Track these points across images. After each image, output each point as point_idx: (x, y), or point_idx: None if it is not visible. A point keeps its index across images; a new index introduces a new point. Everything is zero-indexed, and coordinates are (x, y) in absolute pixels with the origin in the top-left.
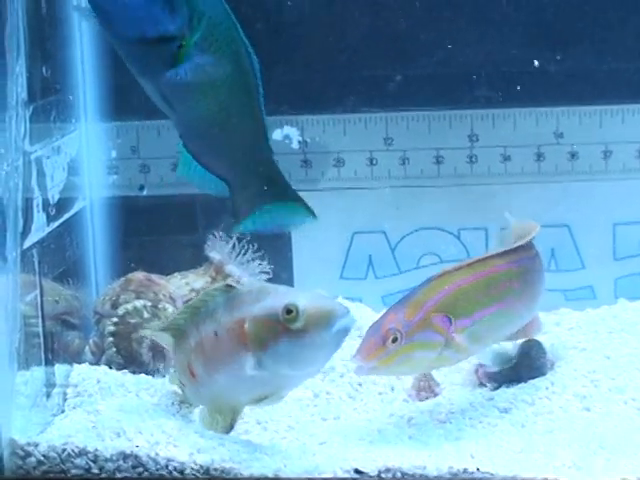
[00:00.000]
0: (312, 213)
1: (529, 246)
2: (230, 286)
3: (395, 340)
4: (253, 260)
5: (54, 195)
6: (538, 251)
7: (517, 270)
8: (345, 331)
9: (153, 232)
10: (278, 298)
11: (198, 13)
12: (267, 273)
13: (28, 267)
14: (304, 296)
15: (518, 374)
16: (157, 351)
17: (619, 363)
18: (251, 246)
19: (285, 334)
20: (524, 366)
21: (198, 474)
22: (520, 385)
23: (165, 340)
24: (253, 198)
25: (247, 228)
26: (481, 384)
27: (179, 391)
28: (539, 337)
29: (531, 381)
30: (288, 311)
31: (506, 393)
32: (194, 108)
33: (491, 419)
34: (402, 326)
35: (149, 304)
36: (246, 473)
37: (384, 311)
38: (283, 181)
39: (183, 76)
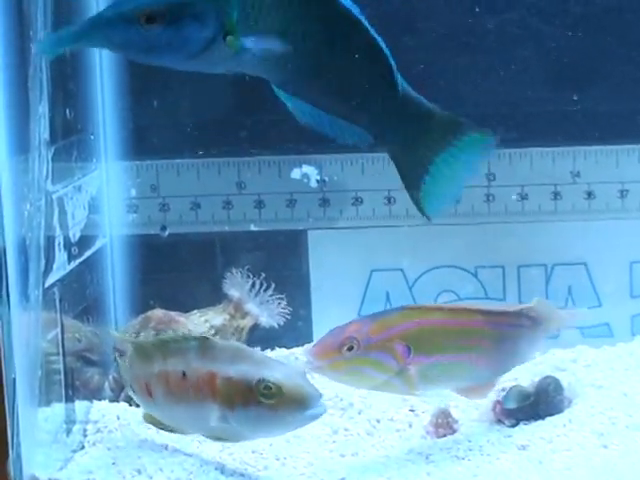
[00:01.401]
0: (490, 134)
1: (520, 316)
2: (206, 338)
3: (351, 349)
4: (272, 297)
5: (75, 233)
6: (532, 325)
7: (491, 332)
8: (315, 417)
9: (172, 269)
10: (255, 367)
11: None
12: (285, 312)
13: (49, 305)
14: (280, 372)
15: (536, 411)
16: None
17: (636, 400)
18: (269, 283)
19: (255, 404)
20: (542, 403)
21: None
22: (538, 422)
23: (124, 346)
24: (419, 148)
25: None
26: (499, 421)
27: None
28: (556, 374)
29: (549, 418)
30: (265, 386)
31: (524, 430)
32: (276, 65)
33: (509, 456)
34: (362, 339)
35: None
36: None
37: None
38: (446, 116)
39: (248, 58)
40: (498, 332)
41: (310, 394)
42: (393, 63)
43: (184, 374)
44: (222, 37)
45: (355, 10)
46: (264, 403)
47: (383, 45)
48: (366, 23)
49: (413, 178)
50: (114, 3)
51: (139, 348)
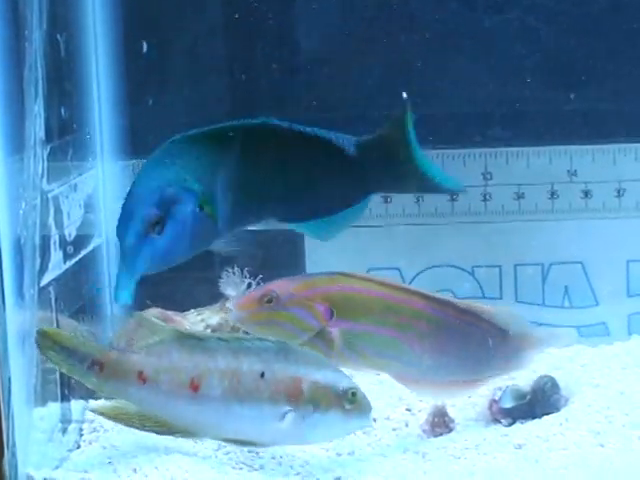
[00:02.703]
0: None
1: (479, 318)
2: (284, 342)
3: (270, 302)
4: None
5: (71, 233)
6: (499, 334)
7: (432, 316)
8: (368, 426)
9: (169, 269)
10: (337, 374)
11: (179, 179)
12: None
13: (45, 304)
14: (353, 381)
15: (532, 410)
16: None
17: (633, 399)
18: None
19: (337, 409)
20: (538, 402)
21: None
22: (534, 421)
23: (162, 334)
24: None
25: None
26: (495, 420)
27: None
28: (553, 373)
29: (545, 417)
30: (352, 393)
31: (520, 429)
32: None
33: (505, 455)
34: (283, 294)
35: None
36: None
37: None
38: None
39: (232, 225)
40: (440, 319)
41: (370, 403)
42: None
43: (262, 375)
44: (199, 210)
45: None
46: (345, 408)
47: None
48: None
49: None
50: (119, 234)
51: (194, 339)
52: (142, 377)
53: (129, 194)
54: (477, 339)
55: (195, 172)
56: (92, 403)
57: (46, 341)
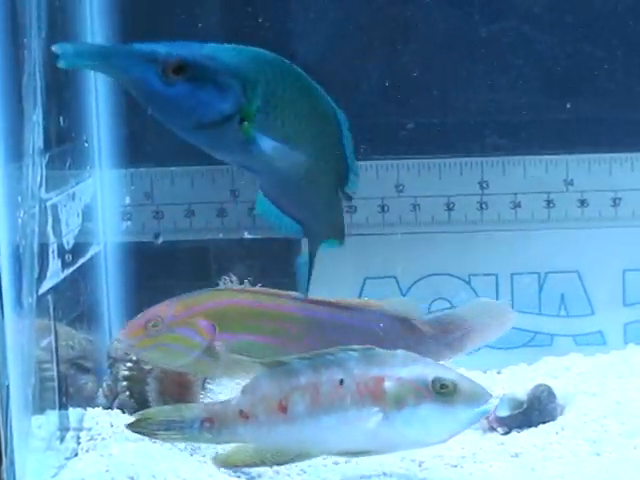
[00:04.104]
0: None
1: (362, 311)
2: (371, 348)
3: (155, 326)
4: None
5: (69, 241)
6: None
7: (300, 317)
8: (485, 413)
9: (166, 277)
10: (428, 368)
11: (251, 82)
12: None
13: (43, 312)
14: (452, 372)
15: (528, 418)
16: (167, 396)
17: (629, 408)
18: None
19: (429, 401)
20: (534, 410)
21: None
22: (530, 429)
23: (252, 370)
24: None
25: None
26: (492, 428)
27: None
28: (549, 382)
29: (541, 425)
30: (442, 385)
31: (517, 437)
32: (273, 171)
33: (502, 463)
34: (167, 316)
35: None
36: None
37: None
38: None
39: (255, 151)
40: (310, 319)
41: (482, 391)
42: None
43: (341, 382)
44: (238, 120)
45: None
46: (440, 399)
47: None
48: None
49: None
50: (150, 43)
51: (279, 366)
52: (243, 415)
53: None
54: (362, 333)
55: (270, 94)
56: (218, 459)
57: (150, 426)
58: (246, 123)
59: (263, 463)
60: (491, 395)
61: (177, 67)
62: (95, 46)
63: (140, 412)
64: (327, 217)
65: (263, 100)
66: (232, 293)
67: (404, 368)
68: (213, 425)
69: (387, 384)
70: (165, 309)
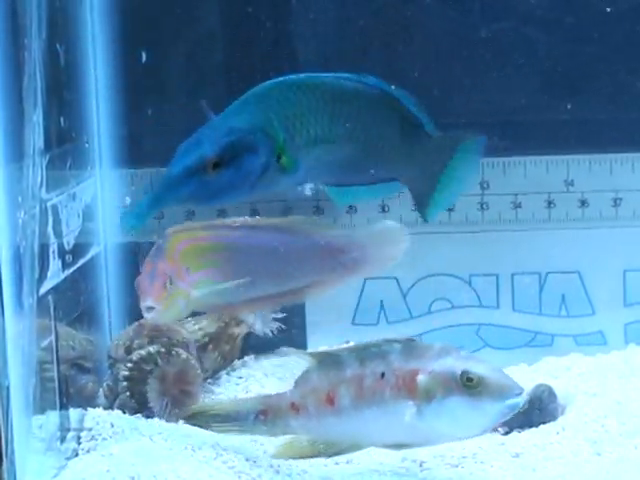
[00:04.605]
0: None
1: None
2: (412, 340)
3: (171, 283)
4: None
5: (69, 241)
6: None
7: (227, 245)
8: (514, 408)
9: None
10: (459, 361)
11: (271, 126)
12: (279, 319)
13: (44, 313)
14: (484, 366)
15: (529, 419)
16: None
17: (630, 408)
18: None
19: (457, 394)
20: (535, 410)
21: None
22: (531, 430)
23: (303, 361)
24: (427, 179)
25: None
26: (492, 428)
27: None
28: (550, 382)
29: (542, 426)
30: (468, 378)
31: (517, 437)
32: (329, 171)
33: (502, 463)
34: (170, 272)
35: (163, 350)
36: None
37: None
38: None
39: (299, 179)
40: (231, 245)
41: (511, 384)
42: (425, 118)
43: (383, 375)
44: (275, 160)
45: (383, 86)
46: (467, 392)
47: (412, 102)
48: (392, 92)
49: (424, 198)
50: (175, 159)
51: (329, 358)
52: (295, 407)
53: (206, 125)
54: (281, 253)
55: (285, 119)
56: (271, 451)
57: (206, 419)
58: (283, 158)
59: (317, 455)
60: (521, 388)
61: (215, 163)
62: (146, 199)
63: (197, 405)
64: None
65: (284, 129)
66: (190, 233)
67: (437, 361)
68: (267, 417)
69: (420, 377)
70: (162, 265)
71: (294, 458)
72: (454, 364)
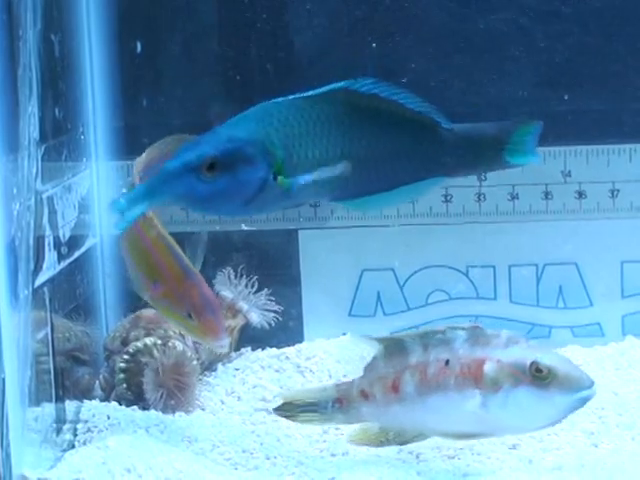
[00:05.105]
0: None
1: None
2: (477, 326)
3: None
4: (263, 297)
5: (65, 233)
6: None
7: None
8: (584, 401)
9: None
10: (527, 350)
11: (270, 141)
12: (276, 311)
13: (39, 304)
14: (553, 356)
15: None
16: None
17: (627, 399)
18: (260, 283)
19: (526, 385)
20: None
21: None
22: None
23: (370, 347)
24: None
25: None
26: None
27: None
28: None
29: None
30: (538, 368)
31: None
32: (330, 190)
33: (499, 455)
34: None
35: (159, 342)
36: None
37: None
38: (489, 132)
39: (301, 192)
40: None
41: (582, 376)
42: (430, 110)
43: (447, 362)
44: (272, 178)
45: (381, 90)
46: (536, 383)
47: (412, 100)
48: (386, 92)
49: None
50: (176, 155)
51: (394, 344)
52: (364, 394)
53: (208, 132)
54: None
55: (284, 138)
56: (348, 436)
57: (292, 408)
58: (280, 177)
59: (388, 442)
60: (592, 381)
61: (209, 166)
62: (140, 190)
63: (282, 394)
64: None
65: (283, 148)
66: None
67: (505, 350)
68: (342, 405)
69: (487, 366)
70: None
71: (367, 445)
72: (523, 354)
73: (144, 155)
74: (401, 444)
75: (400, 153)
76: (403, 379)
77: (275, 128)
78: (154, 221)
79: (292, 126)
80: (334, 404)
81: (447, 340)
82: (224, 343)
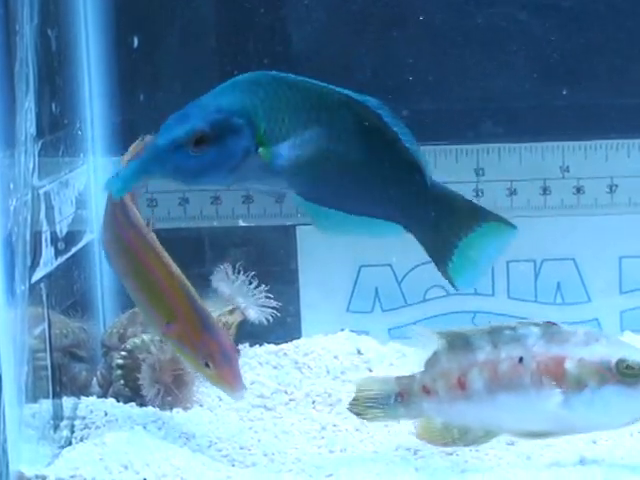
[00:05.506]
0: (512, 225)
1: None
2: (552, 324)
3: None
4: (260, 293)
5: (62, 229)
6: None
7: None
8: None
9: None
10: (611, 348)
11: (255, 113)
12: (274, 307)
13: (36, 300)
14: (638, 351)
15: None
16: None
17: None
18: (258, 279)
19: (614, 383)
20: None
21: None
22: None
23: (431, 341)
24: (445, 233)
25: (465, 274)
26: None
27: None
28: None
29: None
30: (627, 366)
31: None
32: (311, 177)
33: (497, 451)
34: None
35: (157, 338)
36: None
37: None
38: (469, 204)
39: (280, 165)
40: None
41: None
42: (421, 157)
43: (521, 360)
44: (255, 149)
45: (385, 115)
46: (624, 381)
47: (409, 138)
48: (389, 118)
49: (440, 257)
50: (163, 130)
51: (458, 339)
52: (425, 390)
53: (194, 102)
54: None
55: (269, 110)
56: (415, 429)
57: (363, 404)
58: (261, 149)
59: (453, 443)
60: None
61: (200, 139)
62: (132, 166)
63: (355, 381)
64: (427, 206)
65: (265, 120)
66: None
67: (586, 347)
68: (404, 399)
69: (568, 364)
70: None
71: (430, 442)
72: (607, 352)
73: (130, 150)
74: (467, 445)
75: (378, 181)
76: (470, 376)
77: (261, 99)
78: (167, 259)
79: (279, 100)
80: (396, 397)
81: (519, 337)
82: (242, 394)
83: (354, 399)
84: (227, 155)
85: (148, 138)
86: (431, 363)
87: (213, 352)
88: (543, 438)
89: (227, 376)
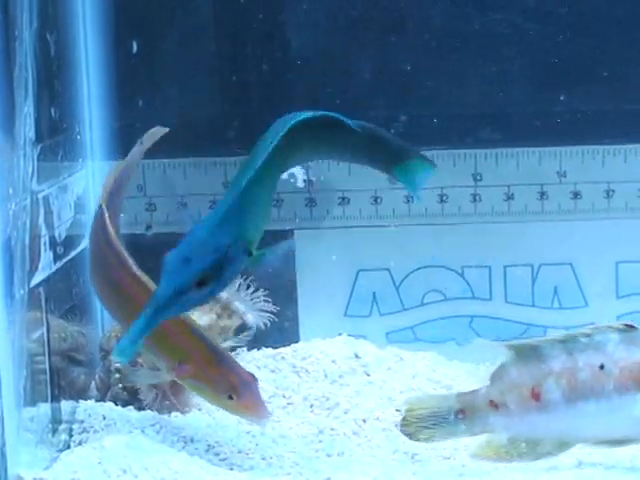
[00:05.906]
0: (431, 162)
1: None
2: (631, 326)
3: None
4: (258, 297)
5: (61, 233)
6: None
7: None
8: None
9: (158, 269)
10: None
11: (244, 237)
12: (272, 312)
13: (35, 305)
14: None
15: None
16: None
17: None
18: (256, 283)
19: None
20: None
21: None
22: None
23: (499, 352)
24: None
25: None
26: None
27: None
28: None
29: None
30: None
31: None
32: None
33: None
34: None
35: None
36: None
37: None
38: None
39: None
40: None
41: None
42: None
43: (602, 367)
44: (247, 257)
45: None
46: None
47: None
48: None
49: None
50: (164, 277)
51: (529, 350)
52: (493, 404)
53: (192, 237)
54: None
55: (254, 227)
56: (471, 450)
57: (412, 423)
58: (253, 256)
59: (519, 457)
60: None
61: (202, 281)
62: (138, 325)
63: (407, 400)
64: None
65: (255, 234)
66: None
67: None
68: (465, 416)
69: None
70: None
71: (493, 460)
72: None
73: (111, 173)
74: (536, 459)
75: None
76: (546, 386)
77: (250, 220)
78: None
79: (263, 215)
80: (456, 414)
81: (595, 344)
82: (267, 421)
83: (404, 419)
84: (226, 282)
85: (146, 142)
86: (497, 376)
87: (234, 384)
88: (623, 445)
89: (252, 406)
